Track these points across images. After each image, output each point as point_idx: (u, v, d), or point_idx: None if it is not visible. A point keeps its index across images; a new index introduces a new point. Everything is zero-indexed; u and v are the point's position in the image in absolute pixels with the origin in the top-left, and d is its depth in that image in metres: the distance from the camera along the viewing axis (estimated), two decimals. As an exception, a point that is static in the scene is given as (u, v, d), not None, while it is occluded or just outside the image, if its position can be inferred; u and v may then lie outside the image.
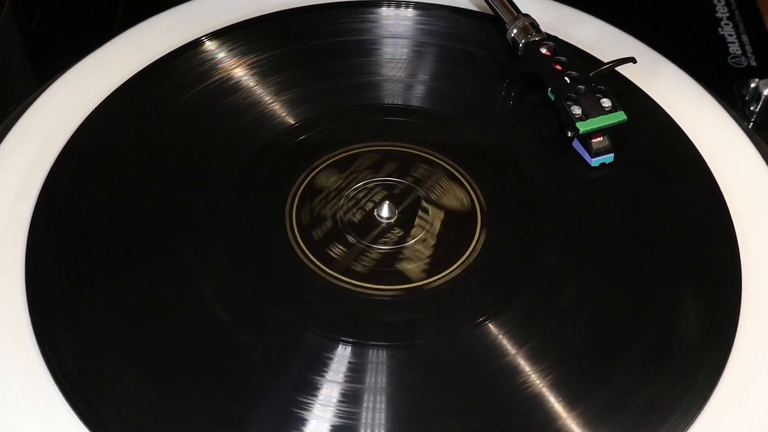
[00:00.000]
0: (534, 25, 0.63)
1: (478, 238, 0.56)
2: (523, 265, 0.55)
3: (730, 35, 0.72)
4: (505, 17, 0.64)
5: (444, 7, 0.68)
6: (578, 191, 0.59)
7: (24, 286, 0.52)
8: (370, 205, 0.57)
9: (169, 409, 0.48)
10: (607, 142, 0.59)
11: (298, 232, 0.56)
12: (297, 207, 0.57)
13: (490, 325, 0.52)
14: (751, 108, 0.67)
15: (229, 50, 0.64)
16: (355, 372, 0.50)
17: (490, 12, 0.66)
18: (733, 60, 0.71)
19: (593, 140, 0.59)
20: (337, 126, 0.61)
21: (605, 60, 0.62)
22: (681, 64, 0.66)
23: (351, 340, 0.51)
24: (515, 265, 0.55)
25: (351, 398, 0.49)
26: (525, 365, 0.50)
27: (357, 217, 0.57)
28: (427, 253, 0.55)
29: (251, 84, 0.63)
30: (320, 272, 0.54)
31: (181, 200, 0.57)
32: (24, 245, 0.54)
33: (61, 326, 0.51)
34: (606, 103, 0.59)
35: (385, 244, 0.56)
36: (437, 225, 0.57)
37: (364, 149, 0.60)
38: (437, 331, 0.52)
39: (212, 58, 0.64)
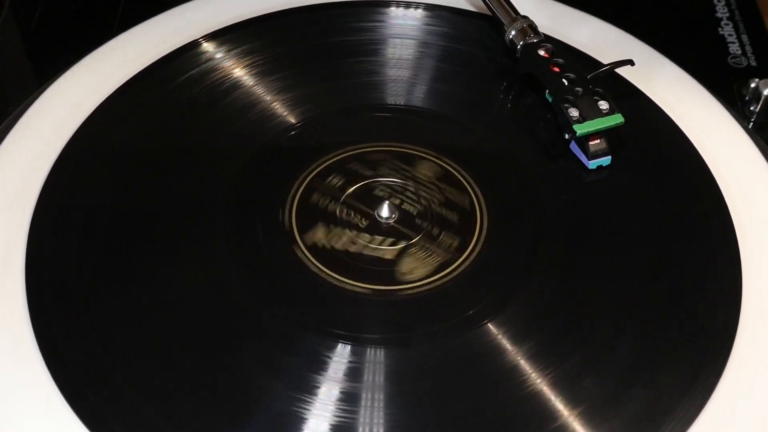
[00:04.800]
0: (532, 27, 0.63)
1: (476, 238, 0.56)
2: (522, 266, 0.55)
3: (730, 35, 0.72)
4: (504, 19, 0.64)
5: (442, 8, 0.68)
6: (576, 193, 0.59)
7: (24, 287, 0.52)
8: (370, 204, 0.57)
9: (169, 409, 0.48)
10: (604, 145, 0.59)
11: (298, 231, 0.56)
12: (297, 206, 0.57)
13: (489, 325, 0.52)
14: (751, 108, 0.67)
15: (229, 50, 0.65)
16: (354, 372, 0.50)
17: (488, 13, 0.66)
18: (733, 60, 0.71)
19: (590, 142, 0.59)
20: (338, 126, 0.62)
21: (604, 60, 0.63)
22: (681, 64, 0.66)
23: (350, 340, 0.51)
24: (514, 266, 0.55)
25: (350, 398, 0.49)
26: (524, 365, 0.50)
27: (357, 216, 0.57)
28: (426, 253, 0.55)
29: (251, 84, 0.63)
30: (320, 272, 0.54)
31: (181, 200, 0.57)
32: (24, 245, 0.54)
33: (61, 326, 0.51)
34: (603, 105, 0.58)
35: (384, 244, 0.56)
36: (436, 225, 0.57)
37: (365, 149, 0.60)
38: (436, 331, 0.52)
39: (212, 59, 0.64)
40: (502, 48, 0.65)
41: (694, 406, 0.49)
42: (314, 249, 0.55)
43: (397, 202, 0.57)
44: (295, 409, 0.48)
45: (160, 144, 0.60)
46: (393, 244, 0.56)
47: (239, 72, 0.63)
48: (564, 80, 0.60)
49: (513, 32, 0.63)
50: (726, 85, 0.68)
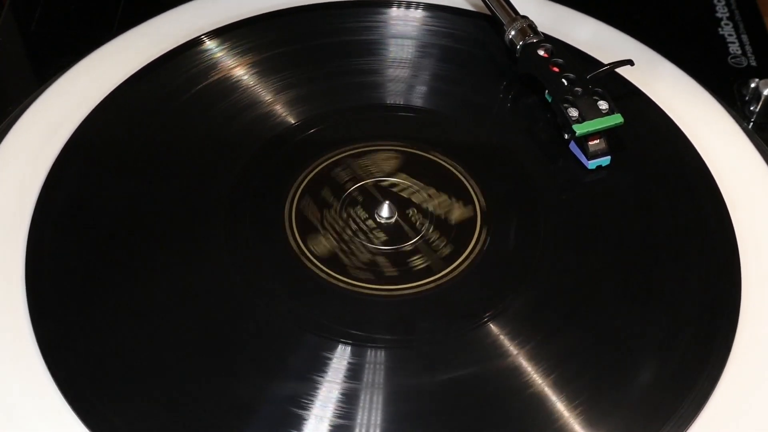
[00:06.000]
0: (532, 27, 0.63)
1: (477, 239, 0.56)
2: (522, 266, 0.55)
3: (730, 35, 0.72)
4: (503, 19, 0.64)
5: (442, 8, 0.68)
6: (576, 193, 0.59)
7: (24, 287, 0.52)
8: (371, 205, 0.57)
9: (169, 409, 0.49)
10: (603, 145, 0.59)
11: (298, 231, 0.56)
12: (297, 206, 0.57)
13: (490, 325, 0.52)
14: (751, 108, 0.67)
15: (229, 50, 0.65)
16: (354, 372, 0.50)
17: (488, 13, 0.66)
18: (733, 60, 0.71)
19: (590, 143, 0.59)
20: (337, 126, 0.62)
21: (604, 61, 0.63)
22: (681, 64, 0.66)
23: (350, 340, 0.51)
24: (513, 266, 0.55)
25: (350, 398, 0.49)
26: (525, 365, 0.51)
27: (357, 216, 0.57)
28: (427, 253, 0.55)
29: (251, 83, 0.63)
30: (319, 272, 0.54)
31: (181, 200, 0.57)
32: (24, 245, 0.54)
33: (61, 326, 0.51)
34: (603, 105, 0.58)
35: (385, 244, 0.56)
36: (437, 225, 0.57)
37: (365, 149, 0.60)
38: (436, 331, 0.52)
39: (212, 57, 0.64)
40: (502, 48, 0.65)
41: (694, 406, 0.49)
42: (313, 248, 0.55)
43: (397, 201, 0.57)
44: (295, 409, 0.49)
45: (159, 143, 0.60)
46: (388, 243, 0.56)
47: (239, 72, 0.63)
48: (563, 80, 0.60)
49: (513, 32, 0.63)
50: (726, 85, 0.68)
